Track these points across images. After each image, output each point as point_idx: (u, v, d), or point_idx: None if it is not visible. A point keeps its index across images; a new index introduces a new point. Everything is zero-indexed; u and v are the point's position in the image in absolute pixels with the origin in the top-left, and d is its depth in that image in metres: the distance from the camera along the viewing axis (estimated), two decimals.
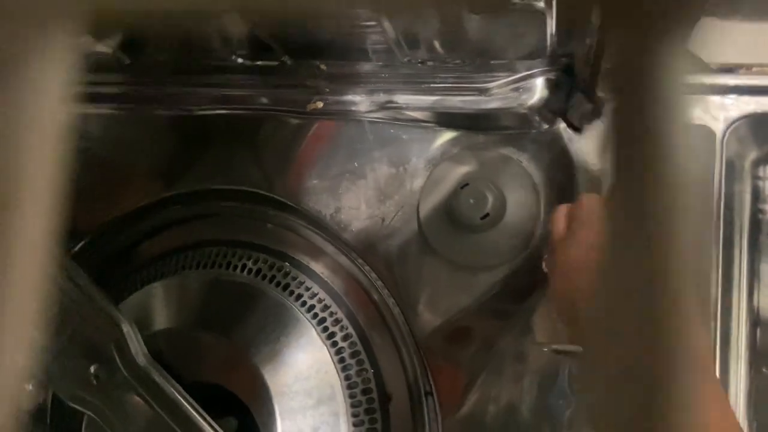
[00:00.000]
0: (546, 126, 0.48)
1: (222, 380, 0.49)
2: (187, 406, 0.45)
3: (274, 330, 0.52)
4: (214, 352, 0.51)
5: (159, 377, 0.46)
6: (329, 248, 0.54)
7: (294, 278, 0.55)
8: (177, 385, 0.46)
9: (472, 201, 0.46)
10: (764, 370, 0.37)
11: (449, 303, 0.51)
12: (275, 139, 0.54)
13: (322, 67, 0.49)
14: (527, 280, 0.49)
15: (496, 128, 0.49)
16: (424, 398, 0.51)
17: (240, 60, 0.51)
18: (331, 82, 0.48)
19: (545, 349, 0.48)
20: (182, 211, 0.57)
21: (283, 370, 0.51)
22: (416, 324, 0.51)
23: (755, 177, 0.44)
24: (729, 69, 0.42)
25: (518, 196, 0.48)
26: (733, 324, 0.43)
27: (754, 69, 0.41)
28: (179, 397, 0.46)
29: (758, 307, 0.44)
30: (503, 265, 0.49)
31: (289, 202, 0.55)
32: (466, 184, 0.47)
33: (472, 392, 0.49)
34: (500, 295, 0.50)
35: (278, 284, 0.54)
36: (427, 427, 0.50)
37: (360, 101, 0.48)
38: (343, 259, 0.54)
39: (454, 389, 0.50)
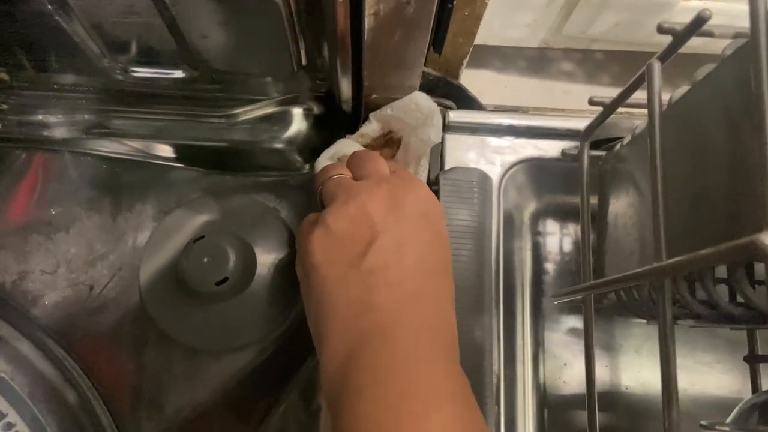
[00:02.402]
0: (308, 169, 0.39)
1: None
2: None
3: None
4: None
5: None
6: (7, 332, 0.38)
7: None
8: None
9: (206, 260, 0.34)
10: None
11: (180, 399, 0.37)
12: None
13: (1, 75, 0.35)
14: (286, 361, 0.39)
15: (249, 168, 0.39)
16: None
17: None
18: (10, 96, 0.34)
19: None
20: None
21: None
22: (132, 429, 0.37)
23: (535, 233, 0.40)
24: (505, 110, 0.37)
25: (274, 254, 0.38)
26: (518, 403, 0.37)
27: (530, 111, 0.37)
28: None
29: (544, 383, 0.38)
30: (254, 344, 0.37)
31: None
32: (201, 237, 0.35)
33: None
34: (249, 384, 0.38)
35: None
36: None
37: (55, 123, 0.35)
38: (28, 347, 0.38)
39: None
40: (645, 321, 0.30)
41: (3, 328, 0.38)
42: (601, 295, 0.31)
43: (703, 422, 0.23)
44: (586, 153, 0.32)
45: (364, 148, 0.37)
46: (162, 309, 0.37)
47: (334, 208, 0.31)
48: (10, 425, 0.36)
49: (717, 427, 0.22)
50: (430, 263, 0.29)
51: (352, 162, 0.34)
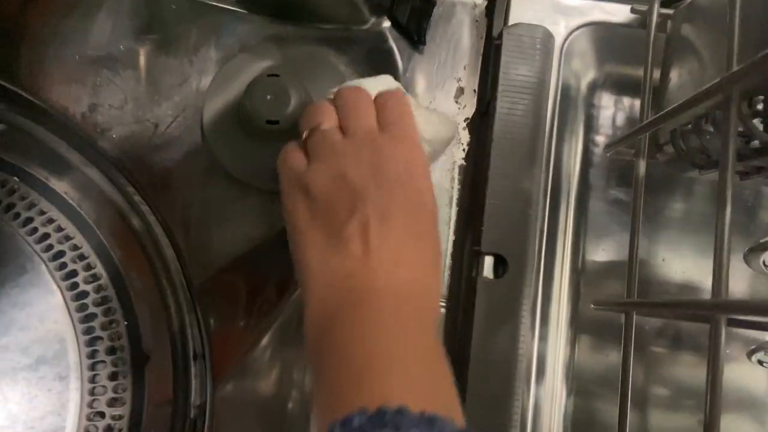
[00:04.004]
0: (370, 21, 0.39)
1: None
2: None
3: None
4: None
5: None
6: (77, 159, 0.40)
7: (23, 198, 0.40)
8: None
9: (269, 97, 0.35)
10: (592, 306, 0.32)
11: (238, 239, 0.39)
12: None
13: None
14: None
15: (311, 19, 0.40)
16: (192, 361, 0.39)
17: None
18: None
19: None
20: None
21: None
22: (191, 264, 0.39)
23: (589, 104, 0.40)
24: None
25: None
26: (556, 266, 0.38)
27: None
28: None
29: (584, 248, 0.39)
30: None
31: (21, 92, 0.40)
32: (275, 75, 0.36)
33: (255, 355, 0.39)
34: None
35: None
36: (192, 396, 0.38)
37: None
38: (97, 176, 0.40)
39: (233, 351, 0.39)
40: (698, 173, 0.31)
41: (74, 155, 0.40)
42: (656, 148, 0.31)
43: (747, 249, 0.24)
44: (656, 10, 0.32)
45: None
46: (223, 147, 0.38)
47: (315, 169, 0.30)
48: (75, 246, 0.39)
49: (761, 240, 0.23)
50: (413, 230, 0.29)
51: (341, 102, 0.33)
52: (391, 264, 0.28)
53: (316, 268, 0.29)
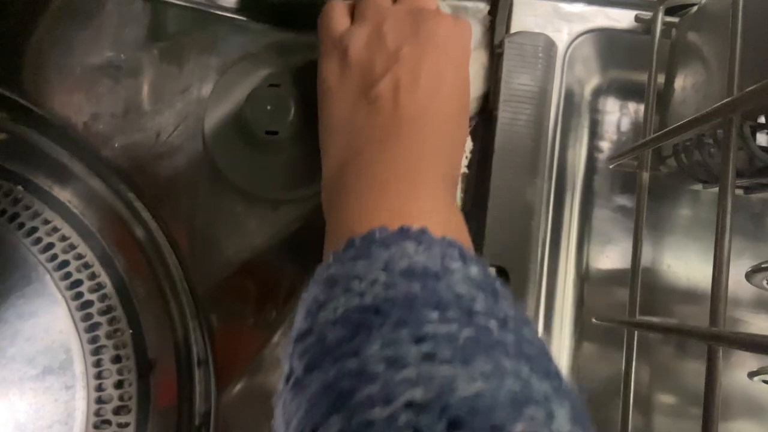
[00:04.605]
0: None
1: None
2: None
3: None
4: None
5: None
6: (80, 169, 0.41)
7: (27, 207, 0.40)
8: None
9: (269, 107, 0.35)
10: (594, 320, 0.32)
11: (240, 245, 0.39)
12: (3, 8, 0.39)
13: None
14: None
15: (312, 26, 0.39)
16: (196, 368, 0.39)
17: None
18: None
19: None
20: None
21: None
22: (193, 271, 0.39)
23: (594, 110, 0.39)
24: None
25: None
26: (560, 271, 0.38)
27: None
28: None
29: (588, 255, 0.39)
30: (309, 197, 0.39)
31: (24, 102, 0.40)
32: (276, 85, 0.36)
33: (260, 360, 0.39)
34: (305, 235, 0.40)
35: (3, 214, 0.40)
36: (196, 403, 0.38)
37: None
38: (100, 185, 0.40)
39: (237, 356, 0.39)
40: (701, 187, 0.30)
41: (76, 165, 0.41)
42: (659, 160, 0.31)
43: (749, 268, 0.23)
44: (660, 17, 0.32)
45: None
46: (224, 156, 0.38)
47: (355, 30, 0.31)
48: (79, 256, 0.40)
49: (763, 265, 0.23)
50: (445, 91, 0.29)
51: None
52: (418, 118, 0.28)
53: (340, 123, 0.30)
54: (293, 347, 0.21)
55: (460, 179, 0.39)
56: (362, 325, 0.19)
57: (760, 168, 0.24)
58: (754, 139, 0.23)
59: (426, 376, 0.17)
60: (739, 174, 0.26)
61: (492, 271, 0.24)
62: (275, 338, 0.39)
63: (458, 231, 0.26)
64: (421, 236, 0.22)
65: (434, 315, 0.19)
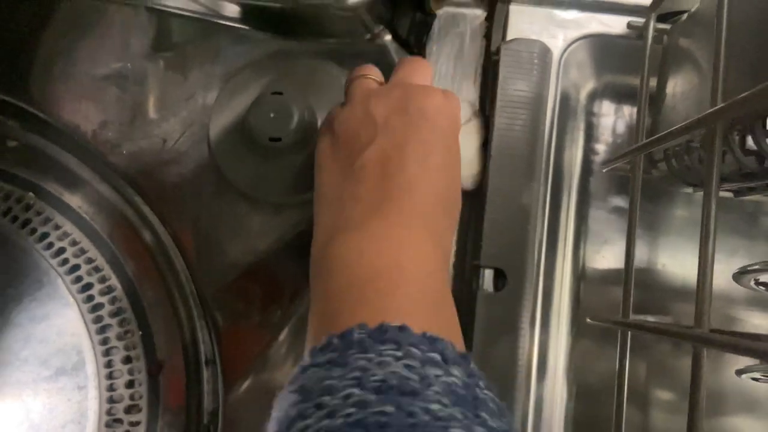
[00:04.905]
0: (369, 35, 0.40)
1: None
2: None
3: (1, 279, 0.39)
4: None
5: None
6: (89, 175, 0.42)
7: (39, 213, 0.41)
8: None
9: (272, 115, 0.36)
10: (588, 320, 0.33)
11: (244, 248, 0.40)
12: (12, 19, 0.40)
13: None
14: None
15: (313, 34, 0.40)
16: (204, 367, 0.40)
17: None
18: None
19: None
20: None
21: (10, 332, 0.38)
22: (200, 274, 0.40)
23: (589, 113, 0.40)
24: None
25: None
26: (557, 273, 0.39)
27: None
28: None
29: (584, 256, 0.40)
30: (311, 201, 0.40)
31: (34, 111, 0.41)
32: (278, 93, 0.37)
33: (265, 360, 0.40)
34: (307, 238, 0.41)
35: (15, 220, 0.41)
36: (204, 401, 0.40)
37: None
38: (109, 190, 0.42)
39: (243, 356, 0.40)
40: (691, 190, 0.31)
41: (86, 172, 0.42)
42: (651, 164, 0.32)
43: (736, 270, 0.24)
44: (652, 24, 0.32)
45: None
46: (229, 161, 0.39)
47: (344, 110, 0.31)
48: (90, 260, 0.41)
49: (749, 267, 0.24)
50: (434, 162, 0.29)
51: (398, 64, 0.34)
52: (405, 190, 0.28)
53: (329, 192, 0.30)
54: None
55: None
56: None
57: (746, 173, 0.25)
58: (744, 144, 0.24)
59: None
60: (728, 179, 0.27)
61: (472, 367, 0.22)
62: (281, 337, 0.40)
63: (441, 316, 0.25)
64: (400, 337, 0.21)
65: None
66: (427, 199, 0.28)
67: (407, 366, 0.20)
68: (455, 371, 0.20)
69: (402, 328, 0.21)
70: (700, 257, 0.20)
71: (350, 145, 0.30)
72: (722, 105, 0.21)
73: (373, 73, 0.34)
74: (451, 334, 0.24)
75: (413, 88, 0.31)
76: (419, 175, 0.28)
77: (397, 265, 0.25)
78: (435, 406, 0.18)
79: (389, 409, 0.18)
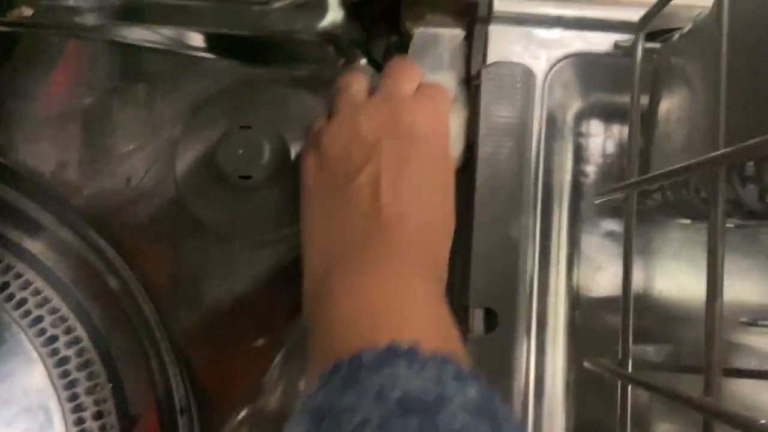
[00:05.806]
0: (343, 60, 0.38)
1: None
2: None
3: None
4: None
5: None
6: (50, 220, 0.39)
7: None
8: None
9: (241, 152, 0.34)
10: (585, 364, 0.31)
11: (218, 290, 0.38)
12: None
13: None
14: None
15: (282, 60, 0.38)
16: (179, 416, 0.38)
17: None
18: None
19: None
20: None
21: None
22: (172, 319, 0.38)
23: (577, 134, 0.38)
24: None
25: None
26: (551, 303, 0.37)
27: None
28: None
29: (577, 285, 0.38)
30: (287, 238, 0.38)
31: None
32: (247, 127, 0.34)
33: (245, 405, 0.38)
34: (284, 278, 0.39)
35: None
36: None
37: (85, 9, 0.34)
38: (70, 235, 0.39)
39: (220, 402, 0.38)
40: (688, 221, 0.29)
41: (46, 217, 0.39)
42: (645, 195, 0.30)
43: (744, 319, 0.23)
44: (641, 44, 0.30)
45: None
46: (198, 199, 0.37)
47: (332, 127, 0.30)
48: (53, 310, 0.38)
49: (759, 322, 0.22)
50: (430, 184, 0.28)
51: (385, 68, 0.33)
52: (402, 215, 0.27)
53: (319, 227, 0.28)
54: None
55: None
56: None
57: (749, 211, 0.23)
58: (745, 181, 0.22)
59: None
60: (729, 214, 0.25)
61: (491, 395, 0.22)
62: (266, 376, 0.38)
63: (448, 338, 0.24)
64: (412, 355, 0.20)
65: None
66: (423, 227, 0.28)
67: (425, 383, 0.20)
68: (471, 389, 0.20)
69: (413, 348, 0.21)
70: (706, 324, 0.18)
71: (340, 167, 0.28)
72: (725, 150, 0.19)
73: (360, 82, 0.32)
74: (459, 354, 0.24)
75: (402, 104, 0.29)
76: (413, 203, 0.28)
77: (399, 295, 0.25)
78: (457, 423, 0.18)
79: (413, 423, 0.18)
